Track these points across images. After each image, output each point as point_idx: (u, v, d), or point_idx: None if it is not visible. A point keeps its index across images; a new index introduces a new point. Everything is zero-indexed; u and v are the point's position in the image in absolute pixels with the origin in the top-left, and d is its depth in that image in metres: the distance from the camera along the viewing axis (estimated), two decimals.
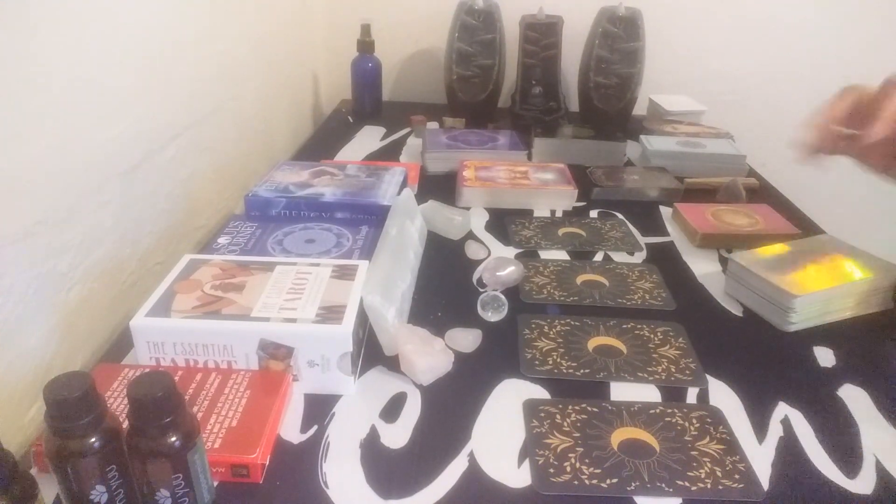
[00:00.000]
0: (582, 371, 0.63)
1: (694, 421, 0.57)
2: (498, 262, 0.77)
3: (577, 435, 0.55)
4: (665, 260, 0.86)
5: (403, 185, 0.94)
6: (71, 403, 0.39)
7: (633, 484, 0.51)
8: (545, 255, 0.87)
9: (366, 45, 1.41)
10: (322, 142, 1.30)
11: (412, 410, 0.58)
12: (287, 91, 1.32)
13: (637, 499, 0.50)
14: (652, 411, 0.58)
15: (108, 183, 0.68)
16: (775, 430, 0.57)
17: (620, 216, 0.99)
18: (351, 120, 1.43)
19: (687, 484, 0.51)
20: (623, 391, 0.61)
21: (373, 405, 0.59)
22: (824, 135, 0.65)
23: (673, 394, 0.61)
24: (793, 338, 0.70)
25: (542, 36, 1.38)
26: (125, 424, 0.42)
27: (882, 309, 0.75)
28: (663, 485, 0.51)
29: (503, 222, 0.95)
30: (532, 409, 0.58)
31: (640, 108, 1.45)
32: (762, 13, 1.51)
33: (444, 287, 0.77)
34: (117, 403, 0.53)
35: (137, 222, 0.74)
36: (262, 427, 0.52)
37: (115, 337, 0.69)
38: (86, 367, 0.65)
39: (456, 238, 0.90)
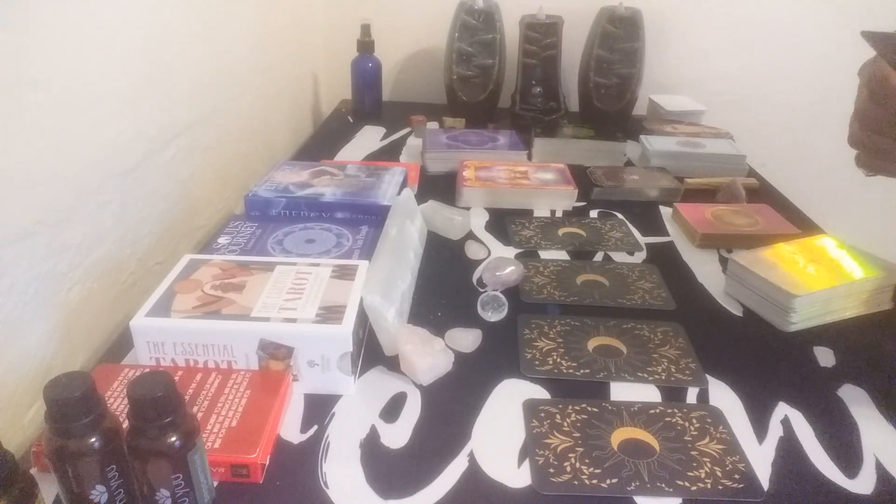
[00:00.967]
0: (582, 371, 0.63)
1: (694, 421, 0.57)
2: (498, 262, 0.77)
3: (577, 435, 0.55)
4: (665, 260, 0.86)
5: (403, 185, 0.94)
6: (71, 403, 0.39)
7: (633, 484, 0.51)
8: (545, 255, 0.87)
9: (366, 45, 1.41)
10: (322, 142, 1.30)
11: (412, 410, 0.58)
12: (287, 91, 1.32)
13: (637, 499, 0.50)
14: (652, 411, 0.58)
15: (108, 183, 0.68)
16: (775, 430, 0.57)
17: (620, 216, 0.99)
18: (351, 120, 1.43)
19: (687, 484, 0.51)
20: (623, 391, 0.61)
21: (373, 405, 0.59)
22: (864, 147, 0.57)
23: (673, 394, 0.61)
24: (793, 338, 0.70)
25: (542, 36, 1.38)
26: (125, 424, 0.42)
27: (882, 309, 0.75)
28: (663, 485, 0.51)
29: (503, 222, 0.95)
30: (532, 409, 0.58)
31: (640, 108, 1.45)
32: (762, 13, 1.51)
33: (444, 287, 0.77)
34: (117, 403, 0.53)
35: (137, 222, 0.74)
36: (262, 427, 0.52)
37: (115, 337, 0.69)
38: (86, 367, 0.65)
39: (456, 238, 0.90)
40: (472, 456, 0.53)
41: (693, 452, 0.54)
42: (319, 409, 0.58)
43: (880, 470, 0.53)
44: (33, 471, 0.49)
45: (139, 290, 0.75)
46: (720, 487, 0.51)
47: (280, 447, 0.53)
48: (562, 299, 0.76)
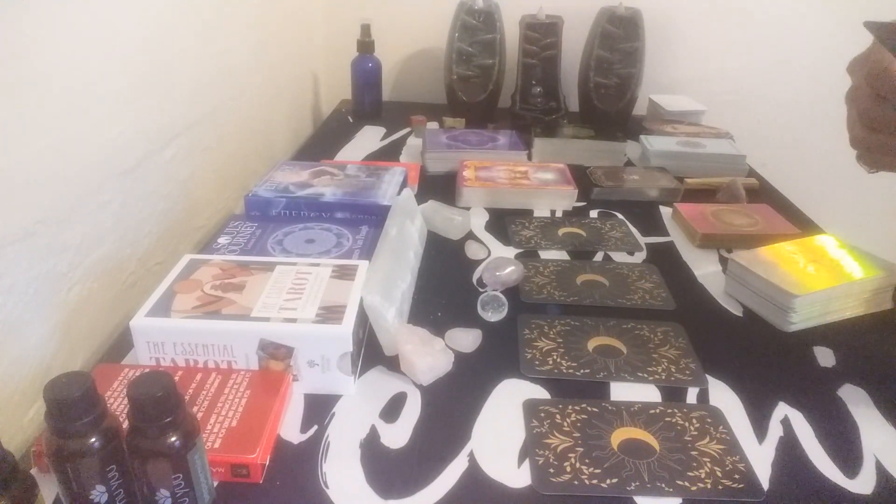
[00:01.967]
0: (582, 371, 0.63)
1: (694, 421, 0.57)
2: (498, 262, 0.77)
3: (577, 435, 0.55)
4: (665, 260, 0.86)
5: (403, 185, 0.94)
6: (71, 403, 0.39)
7: (633, 484, 0.51)
8: (545, 255, 0.87)
9: (366, 45, 1.41)
10: (322, 142, 1.30)
11: (412, 410, 0.58)
12: (287, 91, 1.32)
13: (637, 499, 0.50)
14: (652, 411, 0.58)
15: (108, 183, 0.68)
16: (775, 430, 0.57)
17: (620, 216, 0.99)
18: (351, 120, 1.43)
19: (687, 484, 0.51)
20: (623, 391, 0.61)
21: (373, 405, 0.59)
22: (870, 150, 0.53)
23: (673, 394, 0.61)
24: (793, 338, 0.70)
25: (542, 36, 1.38)
26: (125, 424, 0.42)
27: (882, 309, 0.75)
28: (663, 485, 0.51)
29: (503, 222, 0.95)
30: (532, 409, 0.58)
31: (640, 108, 1.45)
32: (762, 13, 1.51)
33: (444, 287, 0.77)
34: (117, 403, 0.53)
35: (137, 222, 0.74)
36: (262, 427, 0.52)
37: (115, 337, 0.69)
38: (86, 367, 0.65)
39: (456, 238, 0.90)
40: (472, 456, 0.53)
41: (693, 452, 0.54)
42: (319, 409, 0.58)
43: (880, 470, 0.53)
44: (33, 471, 0.49)
45: (139, 290, 0.75)
46: (720, 487, 0.51)
47: (280, 447, 0.53)
48: (562, 299, 0.76)
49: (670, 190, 1.05)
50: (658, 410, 0.59)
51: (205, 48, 0.90)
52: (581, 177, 1.08)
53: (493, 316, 0.71)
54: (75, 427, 0.40)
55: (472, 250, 0.86)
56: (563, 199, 1.01)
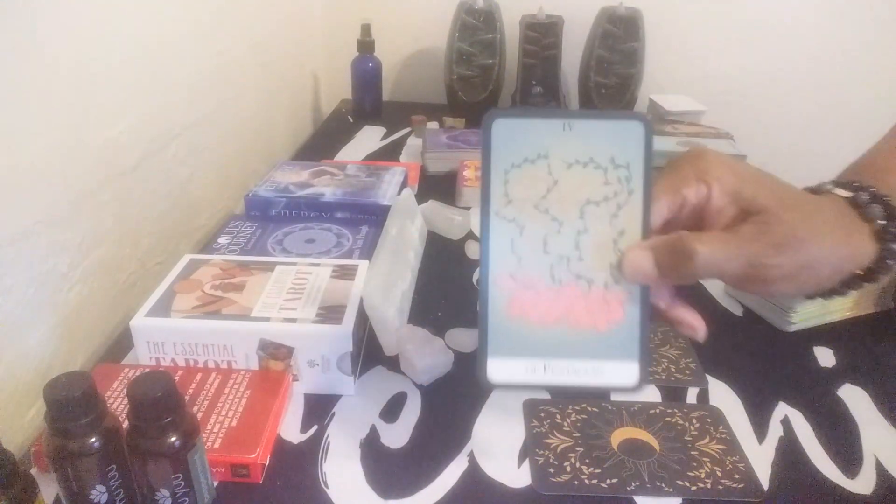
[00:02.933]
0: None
1: (694, 421, 0.57)
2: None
3: (577, 435, 0.55)
4: None
5: (403, 185, 0.94)
6: (71, 403, 0.39)
7: (633, 484, 0.51)
8: None
9: (366, 45, 1.41)
10: (322, 142, 1.30)
11: (412, 410, 0.58)
12: (287, 91, 1.32)
13: (637, 499, 0.50)
14: (652, 411, 0.58)
15: (108, 183, 0.68)
16: (775, 430, 0.57)
17: None
18: (351, 120, 1.43)
19: (687, 484, 0.51)
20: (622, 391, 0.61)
21: (373, 405, 0.59)
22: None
23: (673, 394, 0.61)
24: (793, 338, 0.70)
25: (542, 36, 1.38)
26: (125, 424, 0.42)
27: (882, 309, 0.75)
28: (663, 485, 0.51)
29: None
30: (532, 409, 0.58)
31: (640, 108, 1.45)
32: (762, 13, 1.51)
33: (444, 287, 0.77)
34: (117, 403, 0.53)
35: (137, 222, 0.74)
36: (262, 427, 0.52)
37: (115, 337, 0.69)
38: (86, 367, 0.65)
39: (456, 238, 0.89)
40: (472, 456, 0.53)
41: (693, 452, 0.54)
42: (319, 409, 0.58)
43: (880, 470, 0.53)
44: (33, 471, 0.49)
45: (139, 290, 0.75)
46: (720, 487, 0.51)
47: (280, 447, 0.53)
48: None
49: None
50: (658, 410, 0.59)
51: (205, 48, 0.90)
52: None
53: None
54: (75, 427, 0.40)
55: (472, 250, 0.86)
56: None
